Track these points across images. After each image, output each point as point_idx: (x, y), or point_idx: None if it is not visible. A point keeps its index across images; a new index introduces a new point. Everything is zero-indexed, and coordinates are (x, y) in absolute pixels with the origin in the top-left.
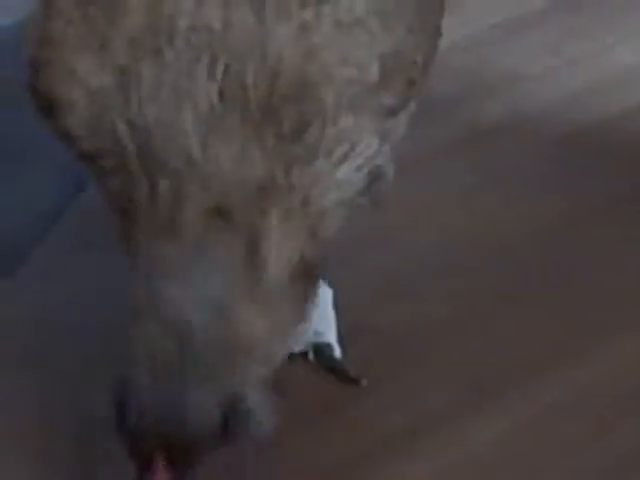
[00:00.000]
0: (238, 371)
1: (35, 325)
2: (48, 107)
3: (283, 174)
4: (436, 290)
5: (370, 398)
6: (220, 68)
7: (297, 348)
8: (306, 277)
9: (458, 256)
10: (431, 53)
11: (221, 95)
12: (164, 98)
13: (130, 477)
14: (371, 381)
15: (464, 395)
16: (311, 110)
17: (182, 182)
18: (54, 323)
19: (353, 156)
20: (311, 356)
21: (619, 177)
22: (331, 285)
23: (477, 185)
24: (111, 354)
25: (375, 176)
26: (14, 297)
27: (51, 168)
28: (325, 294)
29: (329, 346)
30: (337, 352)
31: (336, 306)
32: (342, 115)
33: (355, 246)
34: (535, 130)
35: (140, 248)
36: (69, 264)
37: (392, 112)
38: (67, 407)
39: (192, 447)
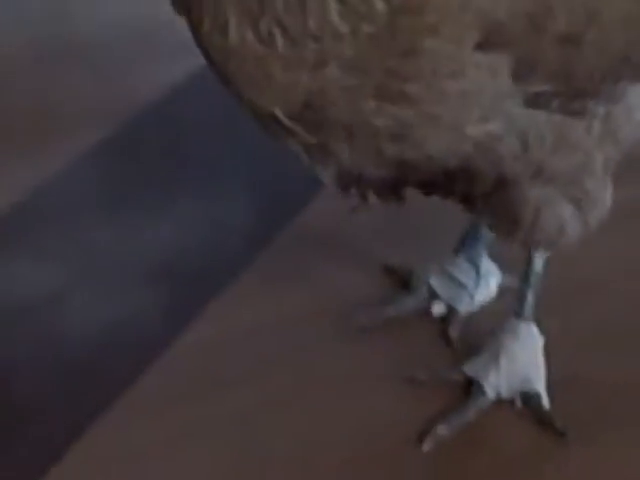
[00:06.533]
0: None
1: (244, 346)
2: None
3: None
4: None
5: (576, 451)
6: None
7: (505, 394)
8: None
9: None
10: None
11: None
12: None
13: None
14: (578, 434)
15: None
16: None
17: None
18: (263, 345)
19: None
20: (519, 403)
21: None
22: (543, 333)
23: None
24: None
25: None
26: (223, 318)
27: (264, 192)
28: (536, 342)
29: (537, 395)
30: (545, 402)
31: (546, 355)
32: None
33: (565, 295)
34: None
35: None
36: (278, 289)
37: None
38: None
39: None
